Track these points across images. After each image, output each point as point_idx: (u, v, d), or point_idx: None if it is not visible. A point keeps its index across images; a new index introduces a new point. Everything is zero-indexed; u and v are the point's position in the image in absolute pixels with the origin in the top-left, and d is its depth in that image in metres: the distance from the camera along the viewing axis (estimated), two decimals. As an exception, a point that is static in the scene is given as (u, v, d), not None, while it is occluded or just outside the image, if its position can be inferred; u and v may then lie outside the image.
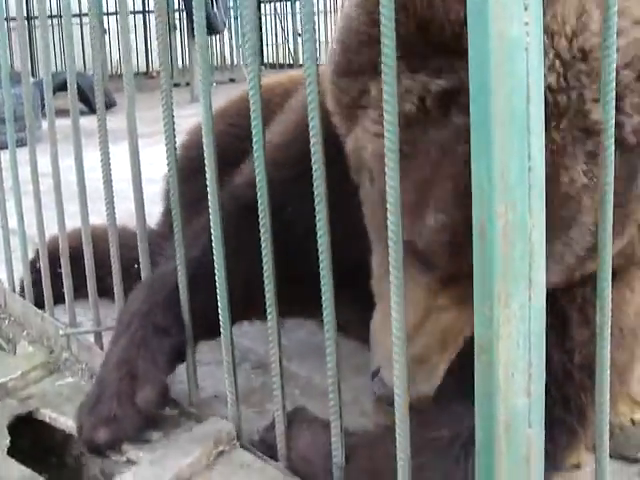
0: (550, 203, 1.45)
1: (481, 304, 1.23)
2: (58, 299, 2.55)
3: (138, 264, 2.18)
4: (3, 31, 2.56)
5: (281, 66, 14.20)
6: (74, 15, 10.34)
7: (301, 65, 1.60)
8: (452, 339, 1.68)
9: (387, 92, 1.34)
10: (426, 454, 1.71)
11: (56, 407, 2.16)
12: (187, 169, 2.45)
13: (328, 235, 1.56)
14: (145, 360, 1.97)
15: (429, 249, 1.60)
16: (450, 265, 1.60)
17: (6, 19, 2.65)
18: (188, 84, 11.25)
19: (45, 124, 2.51)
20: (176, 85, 12.05)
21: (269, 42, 15.64)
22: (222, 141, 1.94)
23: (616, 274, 1.50)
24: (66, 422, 2.08)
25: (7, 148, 2.66)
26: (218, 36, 14.40)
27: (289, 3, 15.36)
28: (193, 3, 1.72)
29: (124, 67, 2.07)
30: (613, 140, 1.36)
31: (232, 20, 14.28)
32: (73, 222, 2.48)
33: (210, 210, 1.81)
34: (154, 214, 3.05)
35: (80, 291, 2.44)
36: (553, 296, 1.43)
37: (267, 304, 1.73)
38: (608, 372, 1.53)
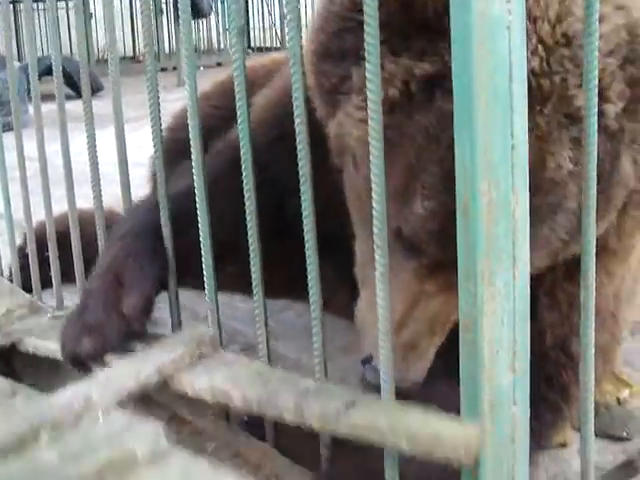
0: (537, 189, 1.47)
1: (465, 282, 1.24)
2: (46, 283, 2.55)
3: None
4: (-12, 15, 2.55)
5: (268, 49, 14.17)
6: None
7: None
8: (440, 325, 1.69)
9: (370, 71, 1.33)
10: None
11: (40, 335, 2.14)
12: (173, 151, 2.45)
13: (313, 215, 1.56)
14: (133, 270, 1.93)
15: (416, 236, 1.60)
16: (437, 251, 1.59)
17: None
18: (175, 68, 11.21)
19: (32, 109, 2.50)
20: (163, 69, 12.02)
21: (256, 26, 15.61)
22: (207, 123, 1.93)
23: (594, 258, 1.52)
24: (49, 346, 2.04)
25: (-7, 132, 2.65)
26: (205, 20, 14.37)
27: (276, -14, 15.33)
28: (178, -14, 1.72)
29: (109, 51, 2.07)
30: (596, 127, 1.38)
31: (219, 3, 14.24)
32: (60, 206, 2.47)
33: (197, 196, 1.81)
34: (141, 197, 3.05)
35: (68, 275, 2.44)
36: None
37: (254, 284, 1.73)
38: (593, 350, 1.55)
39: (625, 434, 2.07)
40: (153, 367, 1.71)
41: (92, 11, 12.87)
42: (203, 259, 1.82)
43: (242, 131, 1.67)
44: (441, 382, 1.73)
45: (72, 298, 2.53)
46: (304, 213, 1.56)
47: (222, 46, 14.54)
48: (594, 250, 1.46)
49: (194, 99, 1.78)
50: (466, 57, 1.16)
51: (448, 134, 1.42)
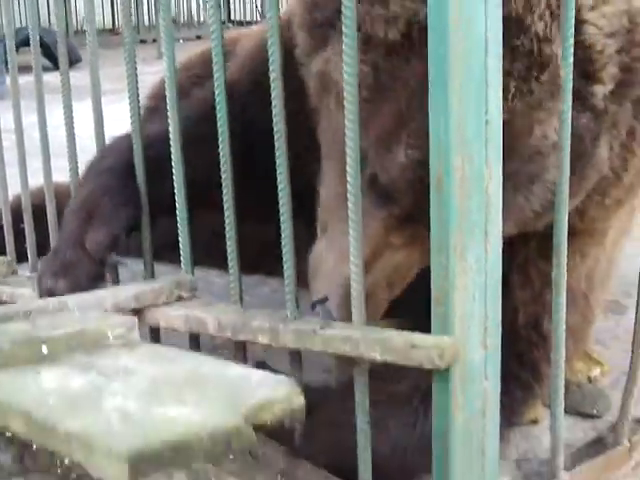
0: (519, 156, 1.47)
1: (437, 256, 1.25)
2: (23, 256, 2.54)
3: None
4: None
5: (248, 23, 14.08)
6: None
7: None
8: (399, 278, 1.68)
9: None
10: (385, 407, 1.73)
11: (16, 285, 2.15)
12: (151, 121, 2.43)
13: (289, 186, 1.56)
14: (105, 208, 1.92)
15: (393, 184, 1.57)
16: (410, 202, 1.56)
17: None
18: (155, 41, 11.12)
19: (9, 80, 2.48)
20: (143, 42, 11.94)
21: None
22: (186, 93, 1.92)
23: (567, 239, 1.53)
24: (25, 293, 2.05)
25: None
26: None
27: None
28: (156, -43, 1.71)
29: (87, 22, 2.05)
30: (570, 96, 1.42)
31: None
32: (37, 179, 2.46)
33: (174, 170, 1.80)
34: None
35: (45, 248, 2.43)
36: None
37: (229, 258, 1.73)
38: (564, 328, 1.57)
39: (595, 411, 2.10)
40: (131, 293, 1.73)
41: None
42: (177, 211, 1.82)
43: (218, 95, 1.67)
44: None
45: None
46: (279, 177, 1.56)
47: (202, 19, 14.43)
48: (566, 226, 1.48)
49: (172, 70, 1.77)
50: (442, 30, 1.17)
51: None
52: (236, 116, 1.71)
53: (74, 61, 7.95)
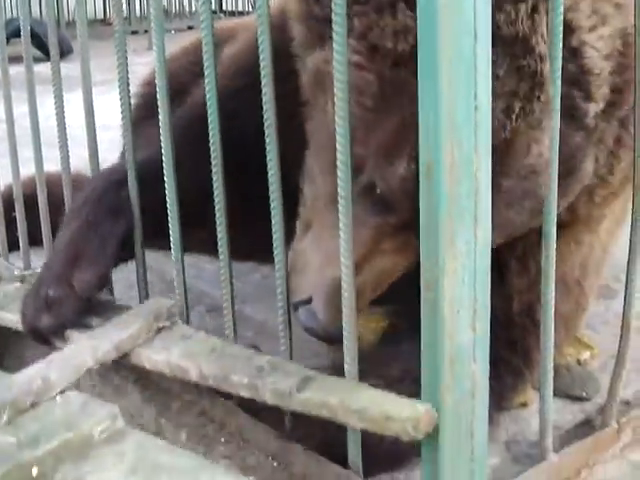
0: (515, 174, 1.49)
1: (427, 241, 1.26)
2: (14, 246, 2.55)
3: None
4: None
5: (240, 13, 14.04)
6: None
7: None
8: (386, 279, 1.67)
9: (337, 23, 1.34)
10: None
11: (4, 306, 2.13)
12: (146, 107, 2.43)
13: (279, 178, 1.57)
14: (92, 244, 1.92)
15: (392, 195, 1.57)
16: (408, 212, 1.54)
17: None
18: (146, 31, 11.07)
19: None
20: (134, 32, 11.88)
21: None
22: (184, 77, 1.92)
23: (561, 228, 1.55)
24: (11, 317, 2.05)
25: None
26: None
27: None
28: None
29: (77, 12, 2.06)
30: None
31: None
32: (28, 169, 2.47)
33: (163, 156, 1.81)
34: (109, 160, 3.04)
35: (36, 238, 2.44)
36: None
37: (219, 244, 1.74)
38: (552, 311, 1.58)
39: (584, 394, 2.11)
40: (111, 344, 1.75)
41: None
42: (169, 218, 1.83)
43: (209, 91, 1.67)
44: (404, 341, 1.76)
45: (39, 260, 2.53)
46: (270, 172, 1.58)
47: (193, 9, 14.38)
48: (555, 220, 1.50)
49: (162, 61, 1.78)
50: (431, 16, 1.17)
51: None
52: (226, 120, 1.71)
53: (65, 52, 7.91)
